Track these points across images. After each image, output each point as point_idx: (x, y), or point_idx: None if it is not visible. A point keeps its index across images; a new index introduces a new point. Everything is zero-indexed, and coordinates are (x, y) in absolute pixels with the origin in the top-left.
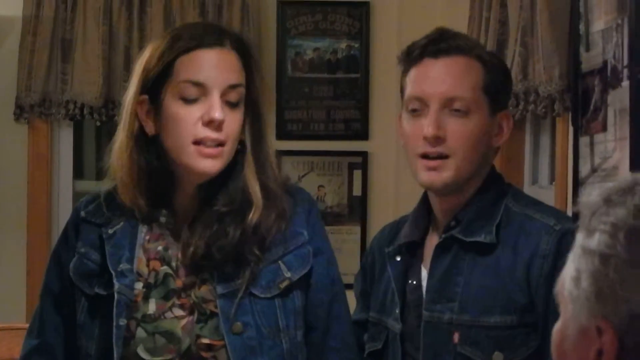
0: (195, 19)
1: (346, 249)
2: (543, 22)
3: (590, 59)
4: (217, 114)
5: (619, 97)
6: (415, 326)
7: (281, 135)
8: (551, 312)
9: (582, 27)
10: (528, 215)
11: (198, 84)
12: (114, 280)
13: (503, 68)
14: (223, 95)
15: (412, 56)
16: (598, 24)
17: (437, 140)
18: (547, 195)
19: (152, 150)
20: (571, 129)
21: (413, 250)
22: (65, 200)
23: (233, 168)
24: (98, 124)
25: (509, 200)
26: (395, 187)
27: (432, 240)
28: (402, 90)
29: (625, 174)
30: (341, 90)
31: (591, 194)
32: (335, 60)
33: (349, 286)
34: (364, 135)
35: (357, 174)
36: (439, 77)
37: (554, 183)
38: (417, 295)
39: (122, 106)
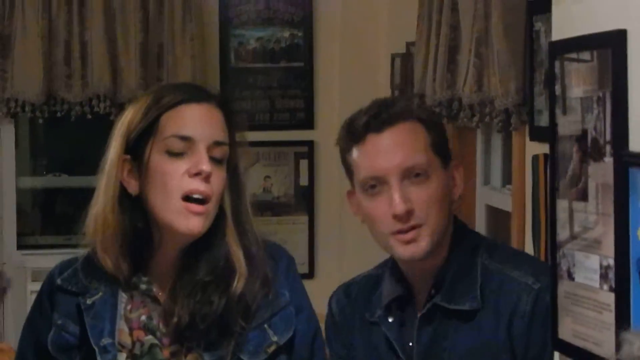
0: (136, 9)
1: (293, 239)
2: (498, 35)
3: (567, 124)
4: (205, 166)
5: (602, 172)
6: None
7: None
8: None
9: (557, 88)
10: (506, 274)
11: (185, 138)
12: (97, 357)
13: (440, 123)
14: (209, 150)
15: (355, 135)
16: (577, 91)
17: (408, 214)
18: (501, 197)
19: (136, 210)
20: (528, 143)
21: (402, 305)
22: (9, 196)
23: (214, 234)
24: (40, 121)
25: (484, 256)
26: (342, 176)
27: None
28: (347, 170)
29: (609, 249)
30: (285, 79)
31: (632, 346)
32: (278, 49)
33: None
34: (309, 124)
35: (304, 164)
36: (390, 149)
37: (508, 187)
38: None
39: (101, 168)
